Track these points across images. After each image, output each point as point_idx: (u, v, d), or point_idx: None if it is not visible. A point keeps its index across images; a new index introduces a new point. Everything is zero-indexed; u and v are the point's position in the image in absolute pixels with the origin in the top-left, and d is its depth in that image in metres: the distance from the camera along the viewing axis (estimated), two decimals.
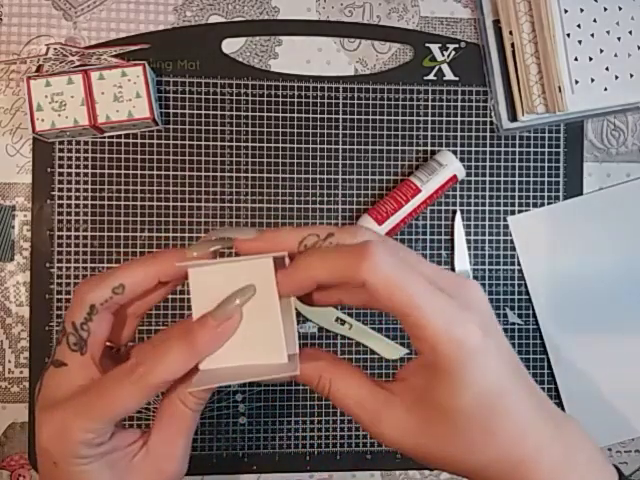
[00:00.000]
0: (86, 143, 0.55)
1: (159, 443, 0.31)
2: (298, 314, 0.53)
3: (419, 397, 0.28)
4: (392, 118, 0.57)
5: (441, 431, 0.28)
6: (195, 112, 0.55)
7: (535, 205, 0.58)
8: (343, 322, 0.55)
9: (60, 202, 0.54)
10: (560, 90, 0.52)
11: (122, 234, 0.55)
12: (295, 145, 0.56)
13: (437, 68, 0.57)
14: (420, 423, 0.28)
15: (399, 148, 0.57)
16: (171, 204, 0.55)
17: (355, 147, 0.56)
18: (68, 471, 0.30)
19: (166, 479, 0.31)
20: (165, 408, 0.31)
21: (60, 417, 0.29)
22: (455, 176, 0.55)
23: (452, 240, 0.57)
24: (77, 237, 0.54)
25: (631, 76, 0.55)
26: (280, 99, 0.56)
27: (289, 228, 0.30)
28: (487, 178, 0.57)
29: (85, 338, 0.30)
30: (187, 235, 0.55)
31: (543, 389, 0.57)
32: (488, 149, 0.57)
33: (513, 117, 0.56)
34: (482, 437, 0.28)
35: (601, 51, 0.54)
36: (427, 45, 0.57)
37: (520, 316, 0.57)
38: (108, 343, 0.32)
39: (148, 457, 0.31)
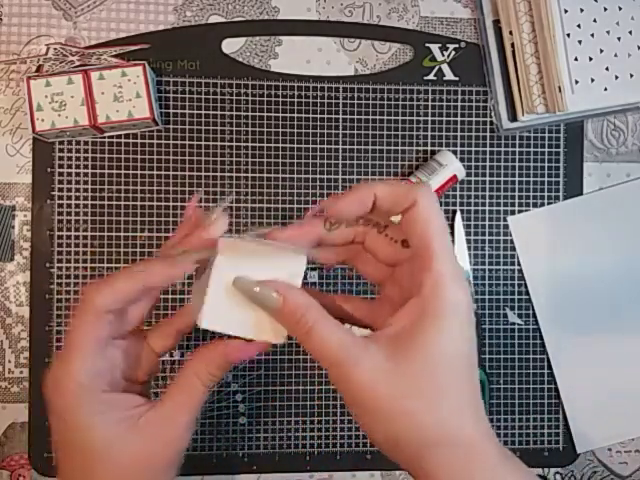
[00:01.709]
0: (86, 143, 0.55)
1: (168, 409, 0.33)
2: None
3: (401, 339, 0.29)
4: (392, 118, 0.57)
5: (415, 375, 0.29)
6: (195, 112, 0.55)
7: (535, 205, 0.58)
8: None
9: (60, 202, 0.54)
10: (560, 90, 0.52)
11: (122, 234, 0.55)
12: (295, 145, 0.56)
13: (437, 68, 0.57)
14: (397, 365, 0.29)
15: (399, 148, 0.57)
16: (171, 204, 0.55)
17: (355, 147, 0.56)
18: (76, 422, 0.31)
19: (166, 444, 0.33)
20: (179, 380, 0.33)
21: (54, 367, 0.32)
22: (455, 176, 0.55)
23: (452, 240, 0.57)
24: (77, 237, 0.54)
25: (631, 76, 0.55)
26: (280, 99, 0.56)
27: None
28: (487, 178, 0.57)
29: None
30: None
31: (543, 389, 0.57)
32: (488, 149, 0.57)
33: (513, 117, 0.56)
34: (445, 391, 0.29)
35: (601, 51, 0.54)
36: (427, 45, 0.57)
37: (520, 316, 0.57)
38: None
39: (154, 420, 0.32)
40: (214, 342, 0.33)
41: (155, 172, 0.55)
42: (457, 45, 0.57)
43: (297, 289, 0.32)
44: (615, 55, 0.55)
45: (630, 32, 0.55)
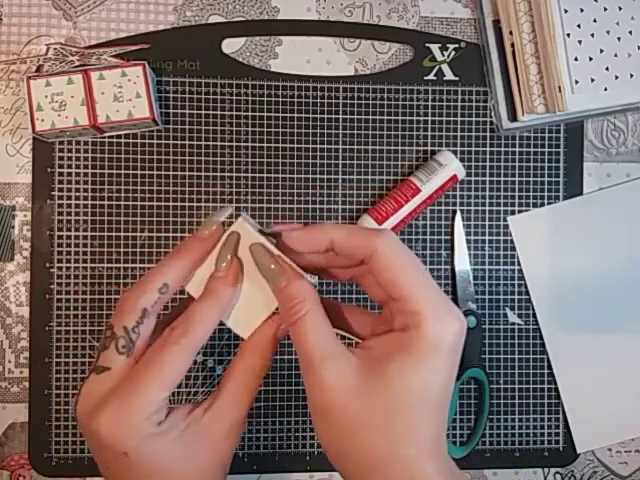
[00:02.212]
0: (86, 143, 0.55)
1: (227, 409, 0.33)
2: None
3: (375, 364, 0.29)
4: (392, 118, 0.57)
5: (377, 398, 0.29)
6: (195, 112, 0.55)
7: (535, 205, 0.58)
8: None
9: (60, 202, 0.54)
10: (560, 90, 0.52)
11: (122, 234, 0.55)
12: (295, 145, 0.56)
13: (437, 68, 0.57)
14: (363, 385, 0.29)
15: (399, 148, 0.57)
16: (171, 204, 0.55)
17: (355, 147, 0.56)
18: (140, 455, 0.30)
19: (227, 442, 0.33)
20: (233, 378, 0.33)
21: (115, 406, 0.30)
22: (455, 176, 0.55)
23: (452, 240, 0.57)
24: (77, 237, 0.54)
25: (631, 76, 0.55)
26: (280, 99, 0.56)
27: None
28: (487, 178, 0.57)
29: (135, 340, 0.32)
30: (187, 235, 0.55)
31: (543, 389, 0.57)
32: (488, 149, 0.57)
33: (513, 117, 0.56)
34: (401, 421, 0.29)
35: (601, 51, 0.54)
36: (427, 45, 0.57)
37: (520, 316, 0.57)
38: None
39: (213, 422, 0.32)
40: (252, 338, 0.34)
41: (155, 172, 0.55)
42: (457, 45, 0.57)
43: (305, 279, 0.32)
44: (615, 55, 0.55)
45: (630, 32, 0.55)
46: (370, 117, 0.57)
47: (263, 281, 0.32)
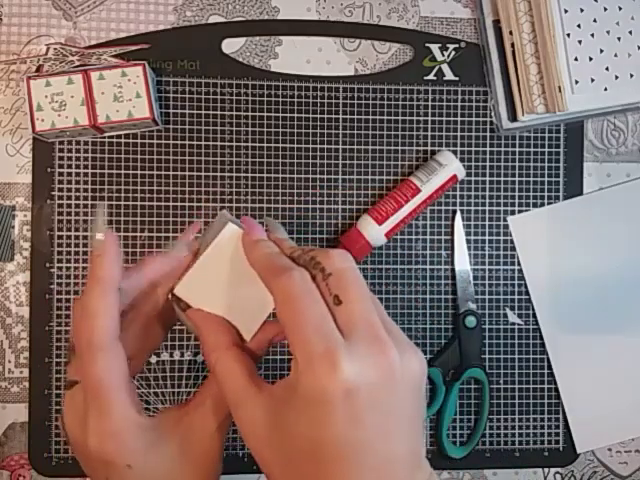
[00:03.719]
0: (86, 143, 0.55)
1: (221, 396, 0.32)
2: None
3: (277, 407, 0.28)
4: (392, 118, 0.57)
5: (281, 450, 0.28)
6: (195, 112, 0.55)
7: (535, 205, 0.58)
8: None
9: (60, 202, 0.54)
10: (560, 90, 0.52)
11: (122, 234, 0.55)
12: (295, 145, 0.56)
13: (437, 68, 0.57)
14: (267, 432, 0.28)
15: (399, 148, 0.57)
16: (171, 204, 0.55)
17: (355, 147, 0.56)
18: (145, 461, 0.30)
19: (226, 424, 0.33)
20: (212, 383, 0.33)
21: (97, 424, 0.29)
22: (455, 176, 0.55)
23: (452, 240, 0.57)
24: (77, 237, 0.54)
25: (631, 76, 0.55)
26: (280, 99, 0.56)
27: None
28: (487, 178, 0.57)
29: None
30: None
31: (543, 389, 0.57)
32: (488, 149, 0.57)
33: (513, 117, 0.56)
34: (306, 476, 0.27)
35: (601, 51, 0.54)
36: (427, 45, 0.57)
37: (520, 316, 0.57)
38: None
39: (208, 411, 0.32)
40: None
41: (155, 172, 0.55)
42: (457, 45, 0.57)
43: (213, 323, 0.32)
44: (615, 55, 0.55)
45: (630, 32, 0.55)
46: (370, 117, 0.57)
47: (259, 281, 0.31)
